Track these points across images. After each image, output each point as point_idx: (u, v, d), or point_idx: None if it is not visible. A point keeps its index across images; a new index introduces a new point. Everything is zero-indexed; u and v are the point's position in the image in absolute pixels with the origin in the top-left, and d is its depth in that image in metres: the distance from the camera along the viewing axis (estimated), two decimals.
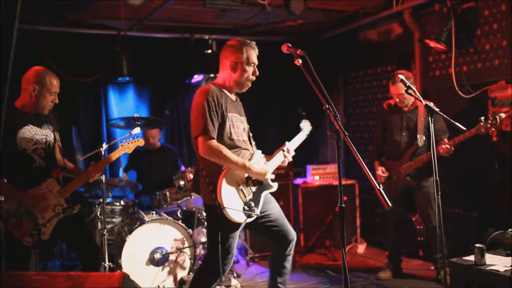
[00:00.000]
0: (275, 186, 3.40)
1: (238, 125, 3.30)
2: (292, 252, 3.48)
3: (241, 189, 3.20)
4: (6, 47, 1.90)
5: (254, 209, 3.18)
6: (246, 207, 3.16)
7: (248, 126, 3.51)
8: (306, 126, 3.80)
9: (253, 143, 3.50)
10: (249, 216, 3.17)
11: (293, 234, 3.45)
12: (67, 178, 3.63)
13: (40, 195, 3.36)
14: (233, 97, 3.38)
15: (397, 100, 4.59)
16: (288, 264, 3.49)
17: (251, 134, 3.51)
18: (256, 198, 3.27)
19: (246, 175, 3.24)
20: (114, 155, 3.81)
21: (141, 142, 4.00)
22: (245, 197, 3.19)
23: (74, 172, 3.68)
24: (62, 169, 3.56)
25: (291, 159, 3.46)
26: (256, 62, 3.30)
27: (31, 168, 3.38)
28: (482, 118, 4.01)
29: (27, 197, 3.32)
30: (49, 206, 3.38)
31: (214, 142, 3.12)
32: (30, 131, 3.40)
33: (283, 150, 3.44)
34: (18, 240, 3.24)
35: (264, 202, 3.34)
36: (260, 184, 3.31)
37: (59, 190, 3.45)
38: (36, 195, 3.35)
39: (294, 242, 3.47)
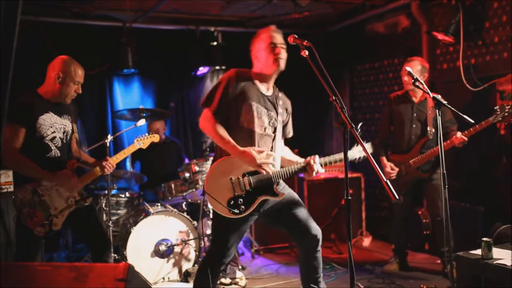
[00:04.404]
0: (280, 195, 3.13)
1: (261, 118, 3.13)
2: (319, 249, 3.26)
3: (234, 182, 3.03)
4: (8, 38, 1.89)
5: (241, 208, 2.99)
6: (231, 202, 2.99)
7: (283, 125, 3.29)
8: (357, 149, 3.33)
9: (279, 144, 3.25)
10: (232, 212, 2.98)
11: (316, 229, 3.23)
12: (81, 169, 3.64)
13: (68, 174, 3.41)
14: (264, 88, 3.20)
15: (405, 78, 4.45)
16: (317, 262, 3.27)
17: (279, 135, 3.25)
18: (249, 198, 3.05)
19: (244, 172, 3.06)
20: (129, 150, 3.84)
21: (156, 138, 4.02)
22: (235, 192, 3.02)
23: (89, 164, 3.70)
24: (77, 160, 3.57)
25: (313, 176, 3.14)
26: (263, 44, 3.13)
27: (46, 157, 3.39)
28: (497, 107, 3.98)
29: (57, 176, 3.36)
30: (75, 187, 3.42)
31: (210, 114, 3.04)
32: (51, 119, 3.41)
33: (307, 163, 3.13)
34: (29, 229, 3.26)
35: (285, 197, 3.18)
36: (261, 186, 3.08)
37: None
38: (64, 174, 3.39)
39: (319, 238, 3.24)
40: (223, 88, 3.06)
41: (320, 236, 3.26)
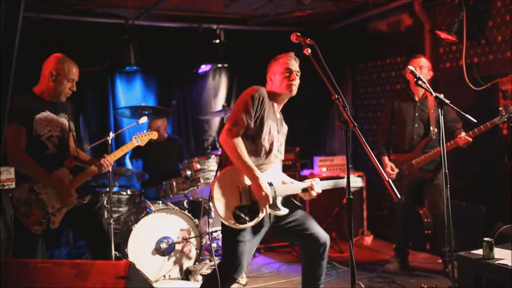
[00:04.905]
0: (283, 211, 3.14)
1: (274, 138, 3.18)
2: (325, 257, 3.25)
3: (240, 192, 3.02)
4: (11, 35, 1.89)
5: (245, 219, 2.97)
6: (237, 211, 2.96)
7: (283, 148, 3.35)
8: (358, 180, 3.41)
9: (280, 165, 3.33)
10: (237, 221, 2.95)
11: (325, 236, 3.22)
12: (78, 168, 3.63)
13: (65, 176, 3.39)
14: (277, 110, 3.26)
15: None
16: (322, 270, 3.26)
17: (282, 157, 3.34)
18: (253, 210, 3.03)
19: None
20: (127, 147, 3.82)
21: (154, 135, 4.00)
22: (241, 202, 3.00)
23: (86, 162, 3.68)
24: (74, 158, 3.56)
25: (314, 196, 3.24)
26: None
27: (44, 155, 3.38)
28: (501, 108, 3.96)
29: (53, 178, 3.34)
30: (69, 189, 3.38)
31: (237, 136, 3.01)
32: (47, 118, 3.40)
33: (309, 185, 3.23)
34: (27, 228, 3.25)
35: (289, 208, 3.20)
36: None
37: (71, 180, 3.44)
38: (60, 176, 3.37)
39: (327, 245, 3.23)
40: (247, 105, 3.03)
41: (328, 243, 3.26)
